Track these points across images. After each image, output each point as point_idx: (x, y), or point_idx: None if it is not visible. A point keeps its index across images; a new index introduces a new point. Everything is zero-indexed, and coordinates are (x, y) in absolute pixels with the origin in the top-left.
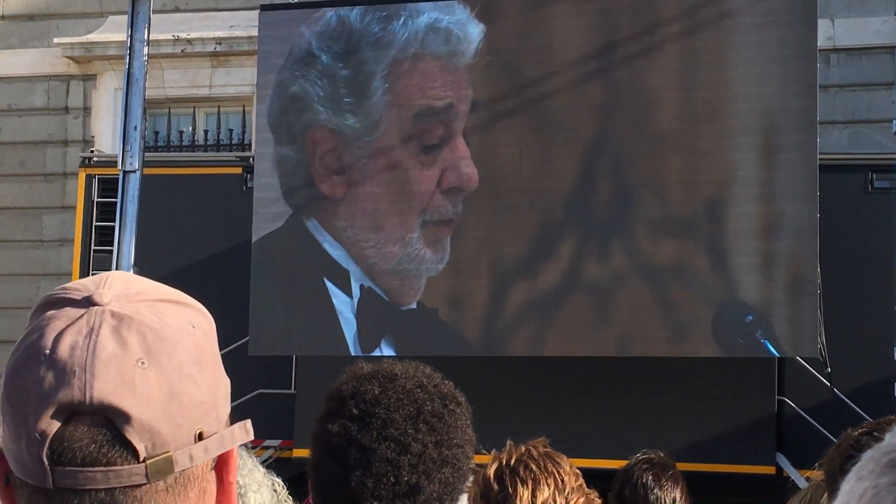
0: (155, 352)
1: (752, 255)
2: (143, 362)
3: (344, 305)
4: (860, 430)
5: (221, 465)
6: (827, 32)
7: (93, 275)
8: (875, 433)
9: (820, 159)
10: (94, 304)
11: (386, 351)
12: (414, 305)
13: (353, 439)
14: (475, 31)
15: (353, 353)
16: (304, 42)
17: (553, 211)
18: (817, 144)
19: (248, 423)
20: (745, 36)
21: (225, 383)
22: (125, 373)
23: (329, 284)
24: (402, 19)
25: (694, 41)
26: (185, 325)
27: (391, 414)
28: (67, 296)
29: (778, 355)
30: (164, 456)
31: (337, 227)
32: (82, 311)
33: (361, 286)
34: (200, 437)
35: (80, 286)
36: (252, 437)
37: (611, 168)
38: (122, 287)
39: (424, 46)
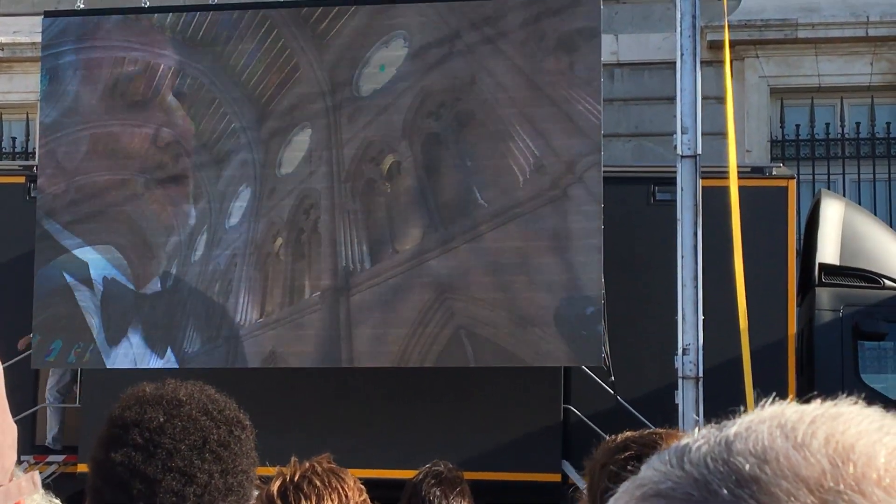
0: None
1: (538, 270)
2: None
3: (87, 299)
4: (606, 458)
5: None
6: (611, 47)
7: None
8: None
9: (605, 172)
10: None
11: (133, 339)
12: (158, 288)
13: (138, 470)
14: None
15: (97, 343)
16: None
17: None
18: (600, 173)
19: (37, 474)
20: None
21: (11, 431)
22: None
23: (70, 279)
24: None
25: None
26: None
27: (177, 444)
28: None
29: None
30: None
31: (67, 220)
32: None
33: (104, 277)
34: None
35: None
36: (40, 490)
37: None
38: None
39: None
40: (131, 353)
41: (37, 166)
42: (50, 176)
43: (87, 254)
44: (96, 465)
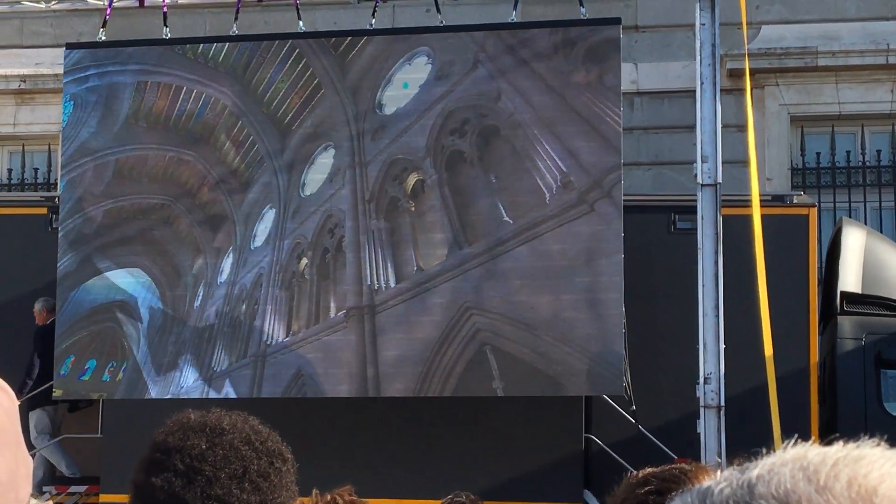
0: None
1: (567, 292)
2: None
3: (135, 331)
4: (636, 482)
5: None
6: (631, 76)
7: None
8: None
9: (625, 200)
10: None
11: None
12: (186, 309)
13: (177, 496)
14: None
15: (134, 360)
16: None
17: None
18: (622, 188)
19: None
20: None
21: (26, 463)
22: None
23: (103, 301)
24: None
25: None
26: None
27: (217, 472)
28: None
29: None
30: None
31: (97, 244)
32: None
33: (136, 299)
34: None
35: None
36: None
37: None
38: None
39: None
40: (161, 372)
41: (58, 197)
42: (77, 201)
43: (118, 276)
44: (136, 489)
